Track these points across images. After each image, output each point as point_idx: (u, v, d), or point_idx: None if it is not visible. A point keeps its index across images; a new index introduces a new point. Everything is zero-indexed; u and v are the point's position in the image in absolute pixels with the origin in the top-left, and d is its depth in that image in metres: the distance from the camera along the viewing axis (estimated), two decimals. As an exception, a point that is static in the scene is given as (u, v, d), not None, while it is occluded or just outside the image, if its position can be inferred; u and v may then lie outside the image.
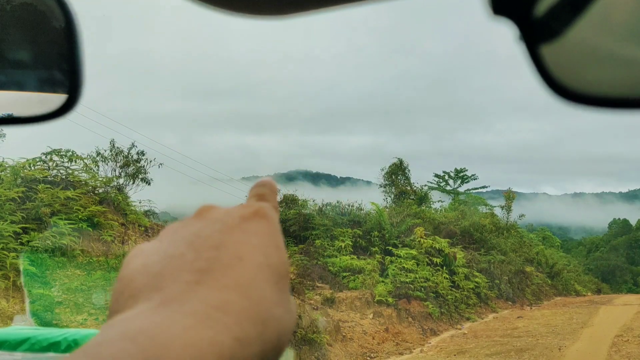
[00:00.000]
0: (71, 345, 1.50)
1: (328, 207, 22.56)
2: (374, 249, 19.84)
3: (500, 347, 13.75)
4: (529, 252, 32.10)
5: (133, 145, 16.16)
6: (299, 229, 20.43)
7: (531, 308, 23.70)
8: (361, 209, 22.59)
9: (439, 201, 34.19)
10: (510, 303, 24.14)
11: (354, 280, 17.36)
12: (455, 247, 22.69)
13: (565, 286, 34.50)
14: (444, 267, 20.73)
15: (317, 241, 19.37)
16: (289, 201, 22.34)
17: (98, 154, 15.53)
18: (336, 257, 18.53)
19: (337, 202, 22.90)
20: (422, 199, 28.76)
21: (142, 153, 16.18)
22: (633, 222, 69.87)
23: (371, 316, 15.54)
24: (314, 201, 22.58)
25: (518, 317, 19.60)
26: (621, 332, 15.40)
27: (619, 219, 74.89)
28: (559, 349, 13.18)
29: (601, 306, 23.03)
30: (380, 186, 29.06)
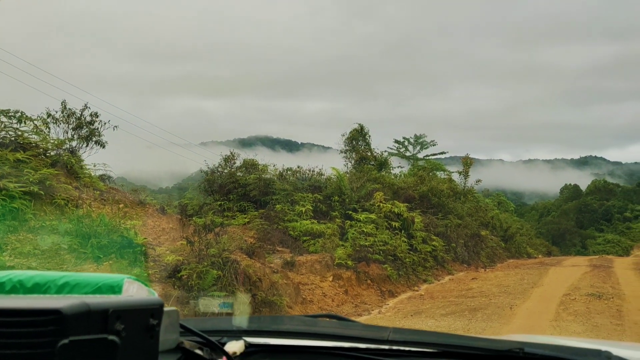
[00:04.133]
0: (16, 287, 1.42)
1: (289, 172, 22.43)
2: (334, 214, 19.94)
3: (455, 307, 14.16)
4: (484, 216, 33.00)
5: (86, 107, 15.54)
6: (259, 193, 20.32)
7: (485, 270, 24.46)
8: (322, 174, 22.57)
9: (398, 167, 34.54)
10: (465, 265, 24.86)
11: (314, 244, 17.45)
12: (413, 211, 23.06)
13: (518, 249, 35.79)
14: (403, 231, 21.08)
15: (277, 206, 19.30)
16: (249, 166, 22.12)
17: (49, 115, 14.87)
18: (297, 221, 18.55)
19: (298, 167, 22.80)
20: (382, 164, 28.95)
21: (96, 115, 15.57)
22: (583, 187, 72.55)
23: (331, 279, 15.72)
24: (274, 166, 22.41)
25: (472, 279, 20.19)
26: (569, 291, 16.07)
27: (570, 184, 77.56)
28: (510, 307, 13.66)
29: (551, 267, 23.97)
30: (341, 152, 29.09)
